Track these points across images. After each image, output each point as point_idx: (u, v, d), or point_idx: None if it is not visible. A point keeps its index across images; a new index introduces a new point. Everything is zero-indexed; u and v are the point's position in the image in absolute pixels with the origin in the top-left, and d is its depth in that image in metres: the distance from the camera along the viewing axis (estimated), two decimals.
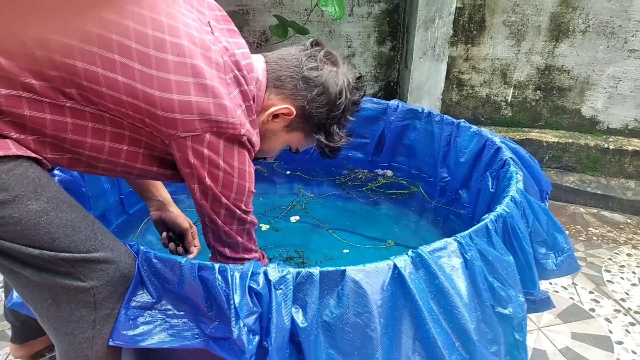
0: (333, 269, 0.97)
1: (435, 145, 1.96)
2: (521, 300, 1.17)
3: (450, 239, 1.09)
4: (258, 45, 2.49)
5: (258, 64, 1.05)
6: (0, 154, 0.81)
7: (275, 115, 1.07)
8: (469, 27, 2.56)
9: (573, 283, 2.05)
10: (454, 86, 2.69)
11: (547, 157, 2.68)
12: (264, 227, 1.79)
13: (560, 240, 1.44)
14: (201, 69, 0.89)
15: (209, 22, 0.97)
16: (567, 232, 2.33)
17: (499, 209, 1.24)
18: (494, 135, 1.74)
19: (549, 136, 2.70)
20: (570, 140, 2.65)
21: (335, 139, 1.12)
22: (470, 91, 2.71)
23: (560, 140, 2.66)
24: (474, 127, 1.80)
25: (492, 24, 2.55)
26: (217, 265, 0.96)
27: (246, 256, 1.08)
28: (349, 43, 2.58)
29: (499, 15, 2.53)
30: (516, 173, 1.48)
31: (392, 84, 2.72)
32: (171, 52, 0.87)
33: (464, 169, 1.83)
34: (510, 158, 1.57)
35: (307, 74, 1.04)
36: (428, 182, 2.04)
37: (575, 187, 2.60)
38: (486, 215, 1.23)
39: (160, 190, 1.39)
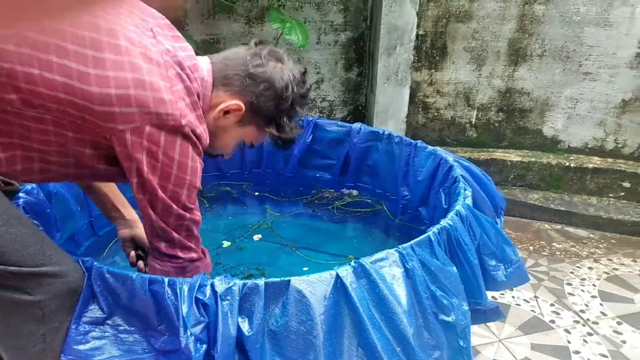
0: (278, 279, 1.03)
1: (396, 165, 2.04)
2: (464, 308, 1.23)
3: (391, 250, 1.16)
4: None
5: (203, 64, 1.09)
6: None
7: (226, 112, 1.10)
8: (431, 53, 2.67)
9: (535, 296, 2.12)
10: (420, 109, 2.79)
11: (512, 176, 2.78)
12: (226, 243, 1.85)
13: (508, 252, 1.51)
14: (140, 65, 0.93)
15: (151, 29, 1.00)
16: (531, 248, 2.44)
17: (443, 222, 1.32)
18: (448, 154, 1.82)
19: (513, 155, 2.80)
20: (533, 159, 2.75)
21: (286, 130, 1.16)
22: (436, 114, 2.82)
23: (523, 160, 2.76)
24: (430, 147, 1.89)
25: (454, 50, 2.67)
26: (166, 279, 1.01)
27: (181, 254, 1.07)
28: (317, 69, 2.68)
29: (460, 42, 2.65)
30: (464, 189, 1.56)
31: (361, 108, 2.81)
32: (109, 52, 0.90)
33: (422, 187, 1.91)
34: (461, 175, 1.65)
35: (253, 70, 1.09)
36: (391, 200, 2.11)
37: (540, 204, 2.70)
38: (430, 228, 1.30)
39: (129, 209, 1.43)
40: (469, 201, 1.51)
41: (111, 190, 1.43)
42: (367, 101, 2.75)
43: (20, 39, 0.86)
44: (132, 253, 1.41)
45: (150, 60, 0.95)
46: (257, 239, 1.84)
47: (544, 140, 2.82)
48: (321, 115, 2.81)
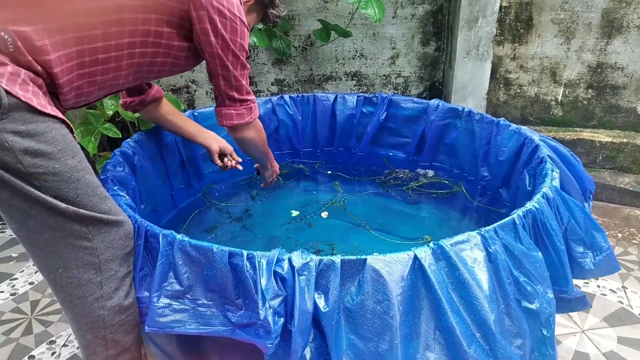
0: (354, 257, 1.01)
1: (476, 144, 1.95)
2: (549, 296, 1.17)
3: (473, 233, 1.11)
4: (303, 49, 2.57)
5: None
6: (52, 113, 0.96)
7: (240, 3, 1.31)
8: (515, 26, 2.52)
9: (623, 287, 1.98)
10: (501, 86, 2.65)
11: (600, 158, 2.59)
12: (295, 213, 1.87)
13: (598, 239, 1.41)
14: None
15: None
16: (619, 235, 2.28)
17: (529, 205, 1.24)
18: (533, 134, 1.72)
19: (602, 136, 2.60)
20: (625, 140, 2.55)
21: (280, 8, 1.52)
22: (519, 90, 2.67)
23: (614, 140, 2.57)
24: (513, 126, 1.79)
25: (540, 22, 2.50)
26: (245, 252, 1.03)
27: (249, 97, 1.38)
28: (392, 44, 2.60)
29: (547, 13, 2.48)
30: (552, 170, 1.46)
31: (437, 85, 2.72)
32: None
33: (503, 167, 1.82)
34: (548, 156, 1.55)
35: None
36: (470, 181, 2.03)
37: (631, 189, 2.50)
38: (515, 210, 1.23)
39: (207, 131, 1.81)
40: (556, 183, 1.41)
41: (188, 119, 1.79)
42: (444, 77, 2.65)
43: None
44: (225, 161, 1.84)
45: None
46: (325, 217, 1.83)
47: (638, 119, 2.59)
48: (395, 91, 2.74)
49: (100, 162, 2.17)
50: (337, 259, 1.01)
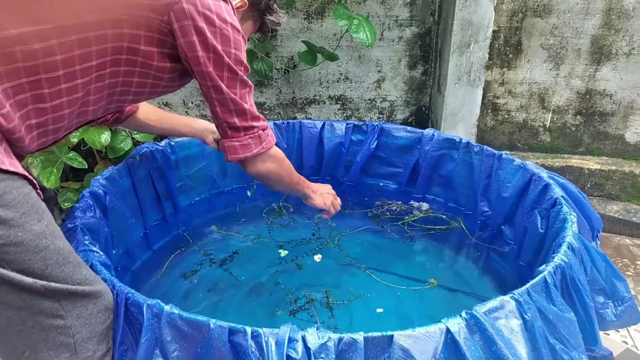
0: (379, 334, 0.87)
1: (475, 177, 1.85)
2: None
3: (506, 297, 0.98)
4: (286, 71, 2.42)
5: None
6: (10, 169, 0.81)
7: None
8: (504, 51, 2.45)
9: None
10: (489, 111, 2.57)
11: (588, 185, 2.54)
12: (283, 252, 1.72)
13: (620, 288, 1.32)
14: None
15: None
16: None
17: (557, 259, 1.13)
18: (540, 170, 1.62)
19: (591, 163, 2.55)
20: (614, 167, 2.50)
21: (279, 13, 1.30)
22: (506, 116, 2.60)
23: (602, 167, 2.52)
24: (518, 160, 1.69)
25: (530, 47, 2.44)
26: (249, 330, 0.86)
27: (254, 124, 1.14)
28: (379, 67, 2.49)
29: (537, 38, 2.42)
30: (570, 214, 1.36)
31: (424, 109, 2.62)
32: None
33: (507, 204, 1.71)
34: (562, 196, 1.45)
35: None
36: (467, 215, 1.92)
37: (620, 217, 2.45)
38: (543, 266, 1.11)
39: (198, 121, 1.63)
40: (575, 229, 1.31)
41: (174, 115, 1.63)
42: (431, 102, 2.55)
43: None
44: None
45: None
46: (318, 260, 1.68)
47: (626, 146, 2.56)
48: (380, 116, 2.63)
49: (62, 194, 1.95)
50: (359, 336, 0.86)
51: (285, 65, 2.42)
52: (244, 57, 1.10)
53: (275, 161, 1.24)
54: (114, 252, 1.50)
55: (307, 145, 2.10)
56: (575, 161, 2.57)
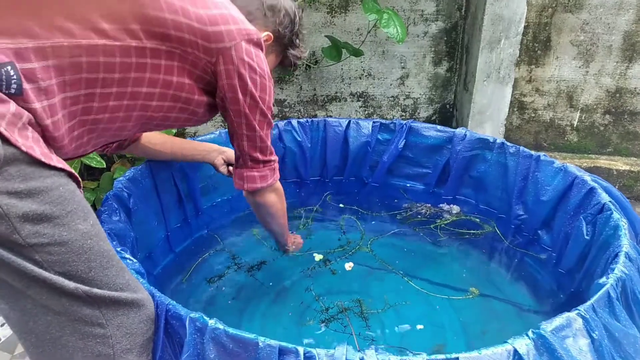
0: (443, 356, 0.80)
1: (510, 179, 1.78)
2: None
3: (572, 314, 0.91)
4: (307, 67, 2.35)
5: None
6: (58, 165, 0.77)
7: None
8: (533, 47, 2.37)
9: None
10: (515, 109, 2.49)
11: (617, 186, 2.45)
12: (318, 257, 1.66)
13: None
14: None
15: None
16: None
17: (618, 271, 1.06)
18: (582, 173, 1.55)
19: (619, 163, 2.47)
20: None
21: (302, 49, 1.35)
22: (533, 115, 2.52)
23: (632, 169, 2.44)
24: (558, 162, 1.62)
25: (559, 44, 2.36)
26: (301, 350, 0.80)
27: (272, 158, 1.24)
28: (402, 64, 2.41)
29: (567, 35, 2.33)
30: (621, 220, 1.29)
31: (448, 107, 2.54)
32: None
33: (545, 208, 1.64)
34: (610, 202, 1.37)
35: (270, 2, 1.23)
36: (500, 219, 1.85)
37: None
38: (603, 279, 1.04)
39: (204, 144, 1.64)
40: (628, 236, 1.24)
41: (179, 139, 1.62)
42: (456, 99, 2.48)
43: None
44: (230, 169, 1.59)
45: None
46: (349, 268, 1.61)
47: None
48: (403, 114, 2.55)
49: None
50: (422, 359, 0.79)
51: (307, 61, 2.34)
52: (272, 101, 1.19)
53: (279, 195, 1.34)
54: (137, 255, 1.43)
55: (331, 144, 2.03)
56: (603, 162, 2.49)
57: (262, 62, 1.11)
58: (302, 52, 1.36)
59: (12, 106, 0.73)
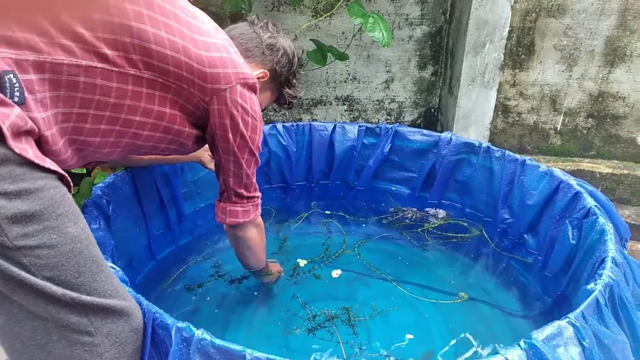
0: None
1: (496, 183, 1.78)
2: None
3: (563, 322, 0.90)
4: None
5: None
6: (51, 167, 0.76)
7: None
8: (517, 51, 2.38)
9: None
10: (500, 113, 2.50)
11: (599, 189, 2.47)
12: (302, 262, 1.64)
13: None
14: (217, 34, 1.09)
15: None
16: None
17: (605, 277, 1.05)
18: (568, 177, 1.55)
19: (602, 167, 2.49)
20: (625, 172, 2.45)
21: (297, 87, 1.38)
22: (517, 118, 2.53)
23: (614, 172, 2.46)
24: (543, 166, 1.62)
25: (542, 48, 2.37)
26: None
27: (256, 194, 1.26)
28: (387, 67, 2.40)
29: (550, 39, 2.35)
30: (606, 225, 1.29)
31: (433, 111, 2.54)
32: (199, 20, 1.05)
33: (531, 212, 1.64)
34: (595, 206, 1.38)
35: (269, 41, 1.26)
36: (486, 222, 1.85)
37: (632, 222, 2.39)
38: (591, 285, 1.03)
39: None
40: (613, 241, 1.24)
41: None
42: (441, 103, 2.47)
43: (147, 2, 0.93)
44: None
45: (217, 30, 1.11)
46: (337, 276, 1.59)
47: (638, 150, 2.51)
48: (388, 117, 2.54)
49: None
50: None
51: None
52: (261, 141, 1.22)
53: (260, 231, 1.35)
54: (118, 263, 1.39)
55: (317, 148, 2.01)
56: (586, 165, 2.51)
57: (255, 104, 1.14)
58: (297, 91, 1.39)
59: (17, 110, 0.73)
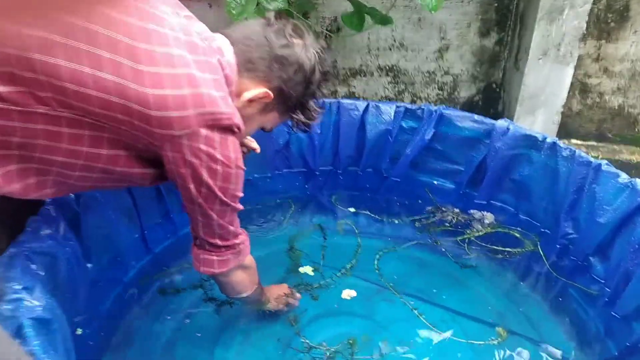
0: None
1: (560, 188, 1.44)
2: None
3: None
4: (327, 36, 2.02)
5: (225, 45, 0.95)
6: None
7: (252, 100, 0.98)
8: (604, 19, 1.94)
9: None
10: (576, 92, 2.08)
11: None
12: (303, 269, 1.41)
13: None
14: (188, 59, 0.83)
15: (176, 11, 0.90)
16: None
17: None
18: None
19: None
20: None
21: (313, 114, 1.08)
22: (598, 100, 2.10)
23: None
24: (623, 176, 1.26)
25: (639, 14, 1.91)
26: None
27: (236, 241, 1.04)
28: (442, 34, 2.04)
29: None
30: None
31: (495, 87, 2.16)
32: (157, 43, 0.80)
33: (602, 231, 1.30)
34: None
35: (280, 53, 0.96)
36: (543, 235, 1.52)
37: None
38: None
39: None
40: None
41: None
42: (504, 79, 2.09)
43: (67, 26, 0.74)
44: None
45: (195, 49, 0.85)
46: (349, 297, 1.33)
47: None
48: (440, 92, 2.19)
49: None
50: None
51: (327, 29, 2.01)
52: (241, 187, 0.98)
53: (247, 272, 1.12)
54: (89, 266, 1.21)
55: (345, 130, 1.72)
56: None
57: (229, 148, 0.89)
58: (314, 117, 1.08)
59: None
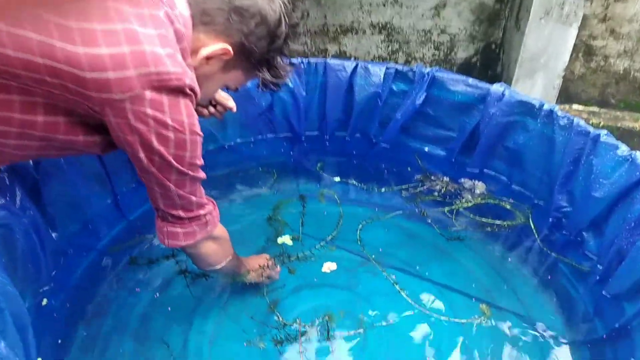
0: None
1: (555, 158, 1.36)
2: None
3: None
4: None
5: None
6: None
7: (209, 57, 0.89)
8: None
9: None
10: (580, 55, 1.97)
11: None
12: (281, 239, 1.35)
13: None
14: (128, 12, 0.74)
15: None
16: None
17: None
18: None
19: None
20: None
21: (279, 70, 0.99)
22: (602, 63, 1.99)
23: None
24: (622, 147, 1.18)
25: None
26: None
27: (201, 212, 0.97)
28: None
29: None
30: None
31: (494, 47, 2.05)
32: None
33: (597, 205, 1.23)
34: None
35: (240, 3, 0.88)
36: (536, 207, 1.45)
37: None
38: None
39: None
40: None
41: None
42: (504, 39, 1.98)
43: None
44: (211, 110, 1.24)
45: (137, 1, 0.75)
46: (329, 271, 1.28)
47: None
48: (436, 52, 2.08)
49: None
50: None
51: None
52: (199, 155, 0.89)
53: (218, 242, 1.07)
54: (53, 235, 1.15)
55: (332, 92, 1.64)
56: None
57: (181, 112, 0.80)
58: (281, 76, 0.99)
59: None
